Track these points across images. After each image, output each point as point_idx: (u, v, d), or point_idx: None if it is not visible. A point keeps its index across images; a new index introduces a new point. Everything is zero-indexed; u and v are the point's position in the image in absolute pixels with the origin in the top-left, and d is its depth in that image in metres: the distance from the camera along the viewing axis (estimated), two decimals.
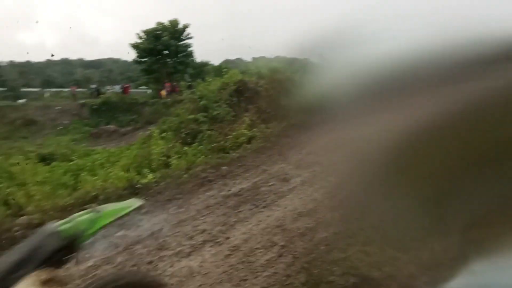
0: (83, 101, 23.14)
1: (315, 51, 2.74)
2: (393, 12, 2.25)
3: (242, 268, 3.50)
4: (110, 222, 2.13)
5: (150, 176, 6.64)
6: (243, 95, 10.34)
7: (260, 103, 9.91)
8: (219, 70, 16.54)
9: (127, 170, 7.35)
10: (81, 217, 2.06)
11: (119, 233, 4.60)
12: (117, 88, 27.40)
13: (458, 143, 1.91)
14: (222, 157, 7.33)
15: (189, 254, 3.89)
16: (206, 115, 9.44)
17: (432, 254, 2.78)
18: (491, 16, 1.86)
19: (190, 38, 25.48)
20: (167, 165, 7.40)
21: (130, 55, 26.15)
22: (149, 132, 11.87)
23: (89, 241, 2.08)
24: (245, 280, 3.32)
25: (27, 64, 48.18)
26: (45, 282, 1.76)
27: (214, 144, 8.10)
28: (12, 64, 43.73)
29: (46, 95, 28.51)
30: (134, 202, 2.40)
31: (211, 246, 4.01)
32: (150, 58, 24.77)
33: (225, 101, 9.98)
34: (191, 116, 9.50)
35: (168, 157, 7.75)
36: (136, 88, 29.08)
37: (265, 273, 3.36)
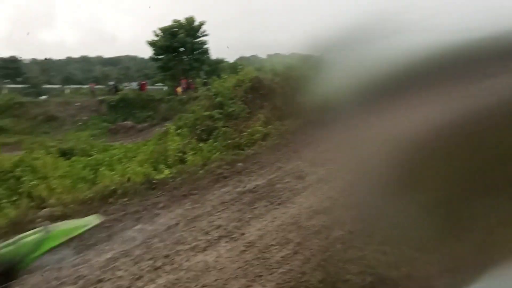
0: (101, 97, 23.61)
1: (330, 48, 2.70)
2: (411, 7, 2.19)
3: (257, 264, 3.51)
4: (60, 244, 1.93)
5: (167, 171, 6.74)
6: (258, 92, 10.33)
7: (275, 100, 9.88)
8: (234, 67, 16.57)
9: (144, 166, 7.47)
10: (26, 239, 1.86)
11: (136, 227, 4.71)
12: (134, 85, 27.86)
13: (480, 142, 1.86)
14: (237, 154, 7.37)
15: (204, 249, 3.94)
16: (221, 112, 9.49)
17: (452, 256, 2.71)
18: None
19: (206, 35, 25.64)
20: (183, 161, 7.50)
21: (147, 52, 26.50)
22: (165, 128, 12.04)
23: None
24: (260, 276, 3.33)
25: (48, 62, 49.70)
26: None
27: (229, 141, 8.15)
28: (34, 62, 45.20)
29: (66, 91, 29.25)
30: (91, 221, 2.22)
31: (226, 242, 4.05)
32: (167, 56, 25.04)
33: (240, 98, 9.99)
34: (207, 113, 9.57)
35: (184, 153, 7.84)
36: (152, 85, 29.45)
37: (280, 270, 3.36)
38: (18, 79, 34.30)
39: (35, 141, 13.71)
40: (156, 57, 25.81)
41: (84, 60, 59.47)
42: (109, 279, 3.53)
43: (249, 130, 8.43)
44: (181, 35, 24.40)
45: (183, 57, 25.56)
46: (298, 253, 3.60)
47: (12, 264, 1.73)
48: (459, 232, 2.26)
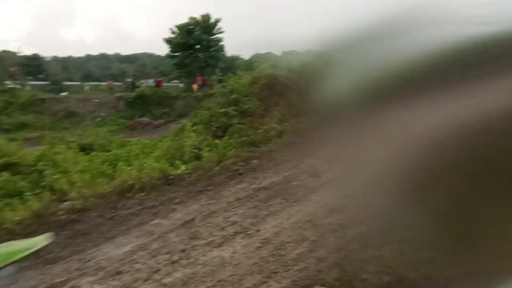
0: (119, 94, 24.11)
1: (345, 45, 2.67)
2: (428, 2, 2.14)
3: (273, 261, 3.52)
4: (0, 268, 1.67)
5: (183, 167, 6.82)
6: (274, 89, 10.28)
7: (290, 97, 9.80)
8: (249, 64, 16.55)
9: (161, 161, 7.58)
10: None
11: (153, 221, 4.80)
12: (151, 82, 28.26)
13: (498, 142, 1.80)
14: (252, 151, 7.38)
15: (220, 245, 3.97)
16: (237, 108, 9.49)
17: (474, 259, 2.64)
18: None
19: (222, 32, 25.72)
20: (198, 157, 7.56)
21: (164, 49, 26.81)
22: (181, 125, 12.15)
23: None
24: (276, 273, 3.33)
25: (69, 59, 51.07)
26: None
27: (244, 138, 8.16)
28: (55, 59, 46.55)
29: (86, 88, 30.02)
30: (39, 242, 2.00)
31: (242, 238, 4.07)
32: (183, 53, 25.26)
33: (256, 95, 9.97)
34: (222, 110, 9.60)
35: (200, 149, 7.90)
36: (168, 82, 29.82)
37: (296, 267, 3.36)
38: (40, 76, 35.44)
39: (56, 136, 14.13)
40: (172, 54, 26.08)
41: (103, 57, 60.86)
42: (127, 271, 3.61)
43: (264, 127, 8.41)
44: (197, 33, 24.55)
45: (199, 54, 25.73)
46: (314, 251, 3.58)
47: None
48: (480, 235, 2.20)
